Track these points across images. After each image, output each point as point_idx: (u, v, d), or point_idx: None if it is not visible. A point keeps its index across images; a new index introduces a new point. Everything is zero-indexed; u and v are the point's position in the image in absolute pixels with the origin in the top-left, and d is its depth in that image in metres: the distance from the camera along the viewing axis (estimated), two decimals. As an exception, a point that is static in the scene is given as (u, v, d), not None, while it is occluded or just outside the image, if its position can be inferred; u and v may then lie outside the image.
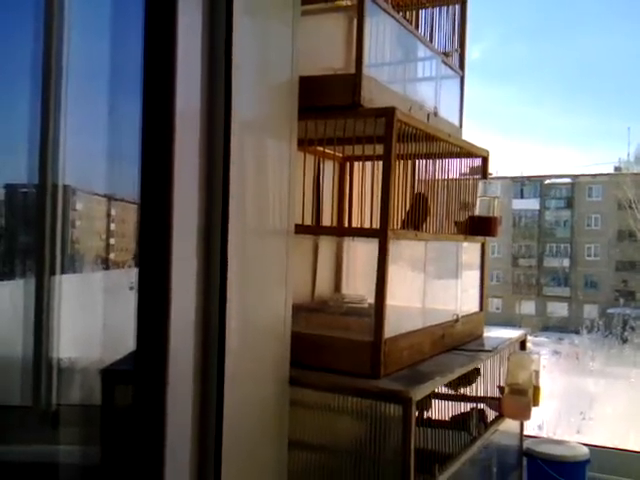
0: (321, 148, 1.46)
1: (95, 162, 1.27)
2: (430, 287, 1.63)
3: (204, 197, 1.08)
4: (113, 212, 1.38)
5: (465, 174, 1.75)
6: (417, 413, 1.29)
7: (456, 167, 1.69)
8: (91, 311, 1.30)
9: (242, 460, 1.15)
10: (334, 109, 1.35)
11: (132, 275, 1.19)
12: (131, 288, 1.16)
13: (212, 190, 1.09)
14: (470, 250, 1.86)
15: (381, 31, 1.41)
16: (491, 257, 2.03)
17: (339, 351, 1.33)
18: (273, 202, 1.25)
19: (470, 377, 1.59)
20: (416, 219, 1.45)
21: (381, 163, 1.33)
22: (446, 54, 1.77)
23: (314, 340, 1.37)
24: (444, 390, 1.47)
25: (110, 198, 1.37)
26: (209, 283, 1.09)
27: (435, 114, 1.66)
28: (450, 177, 1.65)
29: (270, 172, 1.25)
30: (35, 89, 1.34)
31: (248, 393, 1.18)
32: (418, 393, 1.25)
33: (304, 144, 1.38)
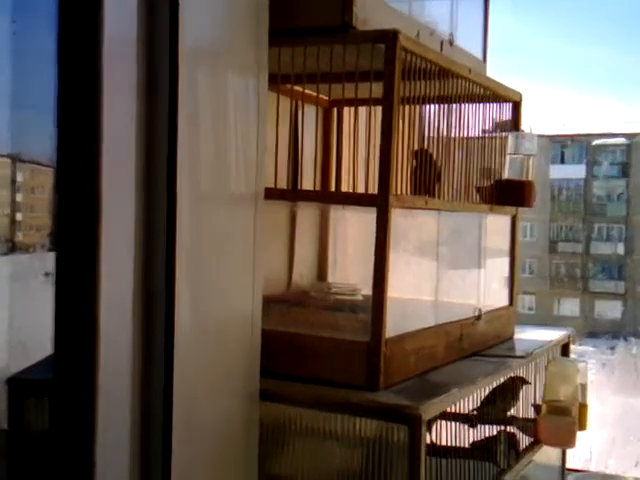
0: (300, 88, 1.45)
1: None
2: (444, 274, 1.64)
3: (143, 153, 1.07)
4: (19, 178, 1.37)
5: (489, 130, 1.76)
6: (428, 437, 1.31)
7: (478, 117, 1.70)
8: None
9: (197, 499, 1.16)
10: (317, 32, 1.34)
11: (45, 259, 1.20)
12: (46, 274, 1.16)
13: (154, 143, 1.09)
14: (495, 228, 1.88)
15: None
16: (522, 241, 2.05)
17: (325, 355, 1.34)
18: (236, 158, 1.24)
19: (513, 389, 1.60)
20: (423, 184, 1.46)
21: (379, 108, 1.32)
22: (465, -39, 1.78)
23: (292, 341, 1.37)
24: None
25: (15, 159, 1.36)
26: (151, 268, 1.09)
27: (450, 42, 1.66)
28: (470, 131, 1.66)
29: (232, 118, 1.24)
30: None
31: (205, 413, 1.19)
32: (429, 410, 1.26)
33: (277, 81, 1.37)
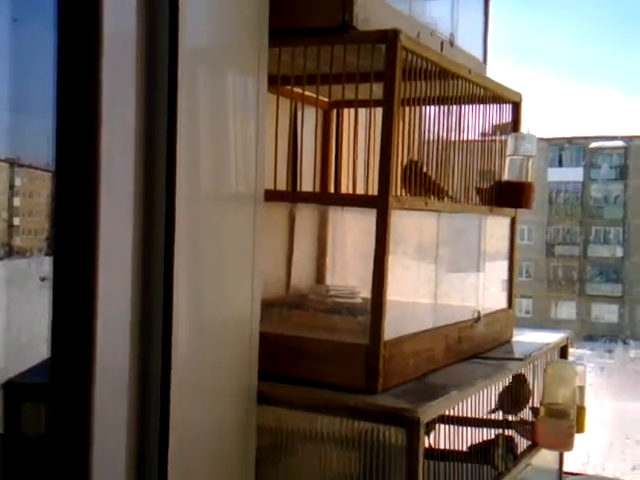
0: (300, 89, 1.45)
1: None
2: (444, 276, 1.64)
3: (142, 154, 1.07)
4: (17, 182, 1.36)
5: (489, 133, 1.75)
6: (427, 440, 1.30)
7: (478, 118, 1.70)
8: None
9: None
10: (317, 32, 1.34)
11: (42, 264, 1.19)
12: (42, 279, 1.16)
13: (153, 144, 1.09)
14: (494, 231, 1.87)
15: None
16: (520, 244, 2.05)
17: (323, 358, 1.34)
18: (235, 159, 1.24)
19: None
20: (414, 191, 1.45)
21: (379, 109, 1.32)
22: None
23: (290, 344, 1.37)
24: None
25: (13, 163, 1.35)
26: (149, 270, 1.09)
27: (451, 43, 1.66)
28: (470, 132, 1.65)
29: (231, 119, 1.24)
30: None
31: (202, 414, 1.19)
32: (428, 413, 1.25)
33: (277, 83, 1.37)
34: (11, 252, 1.37)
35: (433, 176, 1.49)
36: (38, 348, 1.12)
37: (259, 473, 1.31)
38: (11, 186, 1.35)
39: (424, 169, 1.46)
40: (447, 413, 1.38)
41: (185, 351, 1.13)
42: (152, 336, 1.09)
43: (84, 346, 1.00)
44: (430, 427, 1.36)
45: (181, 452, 1.11)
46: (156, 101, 1.09)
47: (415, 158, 1.43)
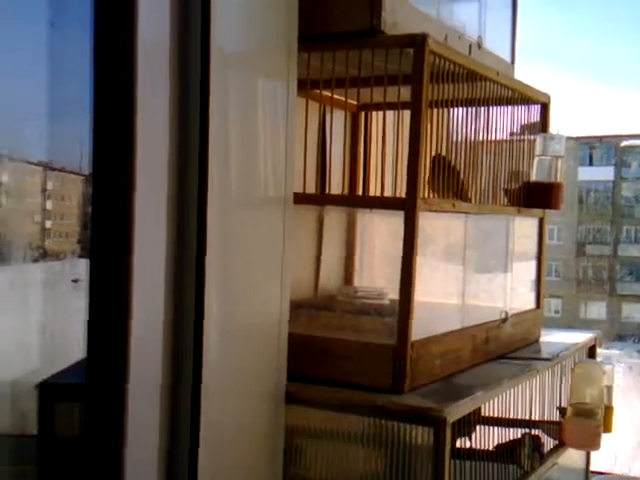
0: (329, 93, 1.45)
1: (26, 117, 1.26)
2: (471, 277, 1.64)
3: (175, 158, 1.08)
4: (50, 186, 1.38)
5: (517, 133, 1.75)
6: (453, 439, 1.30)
7: (506, 120, 1.69)
8: (23, 311, 1.31)
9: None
10: (346, 37, 1.34)
11: (74, 266, 1.21)
12: (75, 281, 1.18)
13: (186, 148, 1.10)
14: (522, 232, 1.87)
15: None
16: (549, 244, 2.04)
17: (351, 358, 1.34)
18: (265, 162, 1.25)
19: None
20: (444, 192, 1.45)
21: (407, 112, 1.32)
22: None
23: (318, 345, 1.37)
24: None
25: (46, 167, 1.37)
26: (182, 271, 1.10)
27: (479, 45, 1.65)
28: (497, 133, 1.65)
29: (262, 123, 1.25)
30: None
31: (232, 415, 1.20)
32: (454, 412, 1.25)
33: (306, 87, 1.38)
34: (44, 255, 1.38)
35: (461, 175, 1.49)
36: (71, 349, 1.14)
37: (287, 471, 1.31)
38: (43, 190, 1.37)
39: (452, 163, 1.46)
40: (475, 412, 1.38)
41: (215, 352, 1.13)
42: (184, 337, 1.10)
43: (119, 347, 1.00)
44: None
45: (211, 451, 1.11)
46: (188, 105, 1.10)
47: (442, 153, 1.43)
